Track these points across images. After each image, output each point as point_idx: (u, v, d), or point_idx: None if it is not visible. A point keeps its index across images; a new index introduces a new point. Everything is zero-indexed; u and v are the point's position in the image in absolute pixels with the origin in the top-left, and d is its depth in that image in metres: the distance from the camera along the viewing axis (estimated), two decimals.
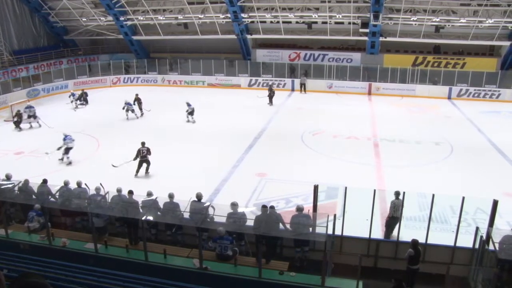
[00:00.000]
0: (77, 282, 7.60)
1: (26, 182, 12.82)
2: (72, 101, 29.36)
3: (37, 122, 25.02)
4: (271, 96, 29.87)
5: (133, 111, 26.57)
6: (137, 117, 26.75)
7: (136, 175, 17.32)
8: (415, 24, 31.25)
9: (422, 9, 30.48)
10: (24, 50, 35.35)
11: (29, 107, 25.24)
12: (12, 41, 34.80)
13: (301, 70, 34.98)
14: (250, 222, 10.70)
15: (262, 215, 10.65)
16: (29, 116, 24.84)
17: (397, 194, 11.63)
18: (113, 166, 17.45)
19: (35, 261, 9.12)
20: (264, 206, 10.88)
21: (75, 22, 37.58)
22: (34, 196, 12.64)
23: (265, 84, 34.26)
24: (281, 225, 10.64)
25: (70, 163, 18.81)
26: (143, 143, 17.56)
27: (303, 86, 33.51)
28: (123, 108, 26.42)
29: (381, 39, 32.65)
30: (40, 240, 11.26)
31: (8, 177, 13.36)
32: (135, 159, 17.30)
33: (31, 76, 33.59)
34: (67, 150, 18.96)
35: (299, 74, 34.74)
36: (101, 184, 12.24)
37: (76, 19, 36.80)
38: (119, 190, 11.94)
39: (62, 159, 18.95)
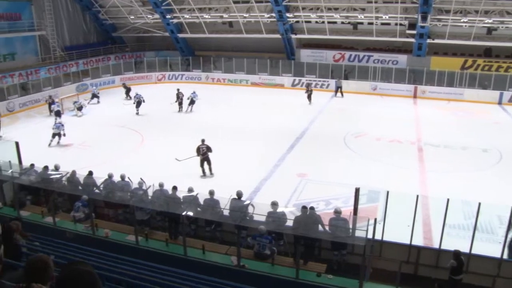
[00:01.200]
0: (118, 272, 7.79)
1: (73, 173, 13.32)
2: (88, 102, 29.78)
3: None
4: (309, 94, 30.06)
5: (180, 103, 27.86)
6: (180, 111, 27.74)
7: (203, 175, 17.19)
8: (466, 25, 30.23)
9: (474, 10, 29.46)
10: (75, 46, 36.72)
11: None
12: (65, 38, 36.21)
13: (338, 72, 34.63)
14: (290, 223, 10.69)
15: (302, 215, 10.63)
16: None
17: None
18: (177, 160, 17.67)
19: (79, 249, 9.41)
20: (304, 207, 10.84)
21: (123, 20, 38.66)
22: (80, 187, 13.13)
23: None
24: (320, 227, 10.58)
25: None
26: (202, 140, 17.37)
27: (339, 89, 32.65)
28: (188, 98, 27.80)
29: (428, 41, 31.81)
30: (85, 230, 11.67)
31: (56, 168, 13.91)
32: (198, 155, 17.19)
33: (80, 71, 34.89)
34: (54, 135, 21.12)
35: (342, 75, 34.36)
36: (141, 178, 12.53)
37: (124, 16, 37.82)
38: (161, 185, 12.20)
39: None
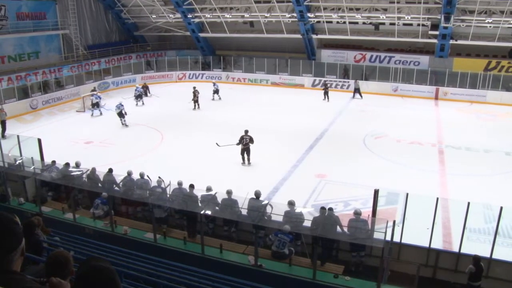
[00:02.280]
0: (136, 269, 7.88)
1: (93, 170, 13.49)
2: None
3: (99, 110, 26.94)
4: (326, 92, 30.61)
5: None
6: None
7: (243, 163, 18.25)
8: (490, 26, 29.64)
9: (499, 11, 28.89)
10: (97, 45, 37.24)
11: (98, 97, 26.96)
12: (87, 36, 36.75)
13: (355, 73, 34.42)
14: (307, 223, 10.66)
15: (320, 216, 10.59)
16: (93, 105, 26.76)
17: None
18: (217, 145, 18.57)
19: (98, 246, 9.55)
20: (323, 208, 10.80)
21: (145, 19, 39.04)
22: (100, 184, 13.30)
23: (328, 85, 33.92)
24: (338, 228, 10.52)
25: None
26: (246, 131, 18.24)
27: (357, 90, 32.12)
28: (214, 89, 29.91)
29: (451, 42, 31.32)
30: (104, 227, 11.84)
31: (77, 165, 14.11)
32: (238, 144, 18.03)
33: (102, 69, 35.37)
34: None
35: (362, 75, 34.11)
36: (159, 177, 12.60)
37: (146, 16, 38.18)
38: (180, 183, 12.28)
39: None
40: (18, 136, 14.96)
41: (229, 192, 11.71)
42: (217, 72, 38.34)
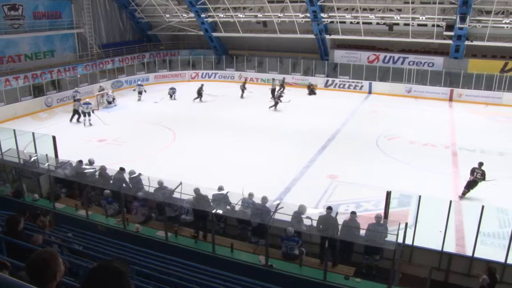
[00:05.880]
0: (148, 266, 7.93)
1: (103, 168, 13.51)
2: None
3: (89, 120, 24.76)
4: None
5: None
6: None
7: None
8: (507, 27, 29.23)
9: None
10: (111, 44, 37.51)
11: (87, 103, 25.02)
12: (102, 35, 37.05)
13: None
14: (306, 222, 10.60)
15: (324, 216, 10.54)
16: (84, 113, 24.80)
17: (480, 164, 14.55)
18: (489, 180, 15.24)
19: (110, 243, 9.63)
20: (329, 208, 10.74)
21: (158, 18, 39.24)
22: (111, 182, 13.37)
23: (341, 86, 33.88)
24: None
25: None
26: (480, 164, 15.48)
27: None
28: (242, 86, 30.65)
29: (466, 42, 30.97)
30: (116, 224, 11.92)
31: (90, 162, 14.24)
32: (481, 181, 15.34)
33: (116, 68, 35.63)
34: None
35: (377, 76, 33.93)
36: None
37: (160, 15, 38.37)
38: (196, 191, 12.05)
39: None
40: (33, 134, 15.13)
41: (251, 195, 11.74)
42: (229, 72, 38.39)
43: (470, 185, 15.33)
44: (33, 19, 30.59)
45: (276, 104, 28.30)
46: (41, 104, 28.34)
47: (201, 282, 7.71)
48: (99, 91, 29.90)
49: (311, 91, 33.14)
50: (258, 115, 26.39)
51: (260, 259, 10.02)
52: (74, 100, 27.34)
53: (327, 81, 35.08)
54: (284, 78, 33.83)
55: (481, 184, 15.24)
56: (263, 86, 35.78)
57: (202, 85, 31.42)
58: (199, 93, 30.66)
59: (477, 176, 15.24)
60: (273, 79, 33.49)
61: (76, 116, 25.28)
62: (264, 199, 11.42)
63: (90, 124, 24.61)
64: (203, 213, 11.24)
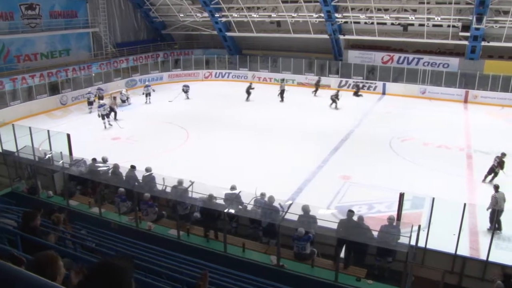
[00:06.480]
0: (160, 264, 7.96)
1: (116, 166, 13.61)
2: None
3: (108, 121, 24.40)
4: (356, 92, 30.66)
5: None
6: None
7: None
8: None
9: None
10: (126, 43, 37.82)
11: (102, 105, 24.54)
12: (116, 35, 37.37)
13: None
14: (320, 223, 10.54)
15: (346, 219, 10.47)
16: (102, 116, 24.17)
17: (496, 187, 13.26)
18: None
19: (123, 241, 9.68)
20: (350, 211, 10.65)
21: (173, 18, 39.45)
22: (123, 180, 13.46)
23: (355, 86, 33.63)
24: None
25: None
26: (503, 154, 16.65)
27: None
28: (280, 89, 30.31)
29: (483, 43, 30.57)
30: (128, 222, 11.99)
31: (104, 160, 14.35)
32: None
33: (130, 67, 35.89)
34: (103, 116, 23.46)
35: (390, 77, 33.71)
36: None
37: (174, 14, 38.56)
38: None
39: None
40: (48, 131, 15.29)
41: (263, 194, 11.71)
42: (243, 72, 38.43)
43: (489, 171, 16.64)
44: (49, 18, 30.96)
45: (334, 102, 29.12)
46: (56, 102, 28.68)
47: (213, 281, 7.71)
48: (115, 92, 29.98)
49: (356, 93, 32.55)
50: (272, 116, 26.37)
51: (271, 259, 10.01)
52: (99, 98, 27.53)
53: (341, 81, 34.91)
54: (320, 78, 34.00)
55: (486, 184, 15.15)
56: (276, 86, 35.72)
57: (251, 83, 31.60)
58: (248, 92, 30.79)
59: (494, 164, 16.19)
60: (282, 80, 33.48)
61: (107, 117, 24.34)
62: (271, 199, 11.39)
63: (110, 125, 24.26)
64: (214, 212, 11.27)
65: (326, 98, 30.26)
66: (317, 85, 33.12)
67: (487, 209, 12.96)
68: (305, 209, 10.67)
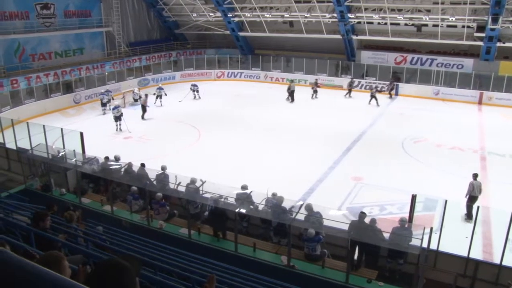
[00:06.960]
0: (170, 263, 7.99)
1: (130, 165, 13.71)
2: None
3: (120, 125, 23.73)
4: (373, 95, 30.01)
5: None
6: None
7: None
8: None
9: None
10: (139, 42, 38.05)
11: (116, 107, 23.92)
12: (130, 34, 37.62)
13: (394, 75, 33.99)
14: (331, 224, 10.50)
15: (357, 221, 10.42)
16: (115, 118, 23.60)
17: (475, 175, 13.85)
18: None
19: (134, 239, 9.74)
20: (362, 213, 10.59)
21: (186, 17, 39.58)
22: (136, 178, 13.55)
23: (367, 87, 33.42)
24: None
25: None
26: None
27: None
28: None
29: (498, 44, 30.19)
30: (140, 220, 12.06)
31: (117, 159, 14.46)
32: None
33: (143, 66, 36.11)
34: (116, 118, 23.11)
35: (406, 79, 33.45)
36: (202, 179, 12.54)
37: (187, 14, 38.69)
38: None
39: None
40: (61, 129, 15.45)
41: (274, 195, 11.71)
42: (255, 71, 38.45)
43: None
44: (64, 17, 31.26)
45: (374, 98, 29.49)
46: (70, 101, 28.97)
47: (223, 280, 7.73)
48: (127, 91, 30.19)
49: (372, 95, 30.94)
50: (284, 115, 26.34)
51: (282, 259, 10.01)
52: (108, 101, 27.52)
53: (353, 82, 34.69)
54: (352, 79, 33.64)
55: (511, 190, 14.89)
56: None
57: (290, 84, 31.53)
58: (290, 94, 30.78)
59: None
60: (292, 80, 33.39)
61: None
62: (280, 199, 11.37)
63: (121, 130, 23.55)
64: (223, 212, 11.29)
65: (342, 99, 30.14)
66: (350, 87, 32.88)
67: (466, 196, 13.81)
68: (309, 207, 10.67)
